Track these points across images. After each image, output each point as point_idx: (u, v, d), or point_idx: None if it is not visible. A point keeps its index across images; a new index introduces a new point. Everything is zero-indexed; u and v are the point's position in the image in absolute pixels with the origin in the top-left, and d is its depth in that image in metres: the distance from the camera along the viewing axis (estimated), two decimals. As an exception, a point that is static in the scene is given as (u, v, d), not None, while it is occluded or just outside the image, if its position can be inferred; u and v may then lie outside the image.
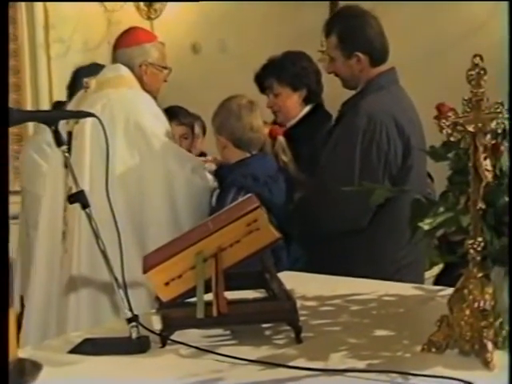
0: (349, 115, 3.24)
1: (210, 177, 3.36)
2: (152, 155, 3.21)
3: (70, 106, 3.43)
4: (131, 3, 5.61)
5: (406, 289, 2.51)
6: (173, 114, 3.97)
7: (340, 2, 4.73)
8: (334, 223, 3.19)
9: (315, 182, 3.32)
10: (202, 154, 4.41)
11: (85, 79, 3.44)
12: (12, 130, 5.31)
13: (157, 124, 3.29)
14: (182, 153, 3.40)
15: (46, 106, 5.23)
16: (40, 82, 5.36)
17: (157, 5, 5.62)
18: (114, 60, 3.47)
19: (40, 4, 5.36)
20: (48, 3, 5.37)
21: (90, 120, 3.00)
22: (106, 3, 5.48)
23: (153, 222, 3.13)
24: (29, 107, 5.32)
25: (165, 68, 3.50)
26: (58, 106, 4.35)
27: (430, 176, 3.64)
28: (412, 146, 3.18)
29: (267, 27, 5.15)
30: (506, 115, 1.89)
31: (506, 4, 2.16)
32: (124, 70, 3.38)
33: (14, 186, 5.30)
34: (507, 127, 1.91)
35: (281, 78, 3.78)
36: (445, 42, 4.38)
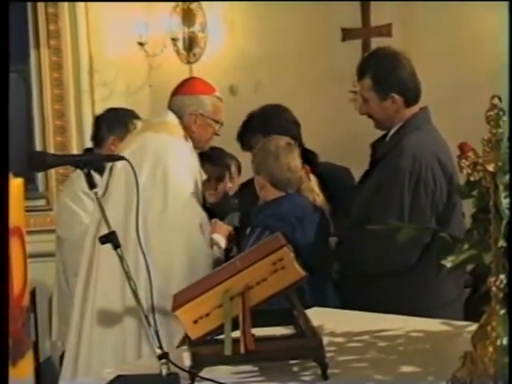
0: (391, 156, 3.27)
1: (219, 244, 3.37)
2: (169, 207, 3.25)
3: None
4: (171, 49, 5.75)
5: (433, 325, 2.52)
6: (209, 156, 4.01)
7: (372, 41, 4.81)
8: (383, 263, 3.22)
9: (354, 223, 3.35)
10: (239, 193, 4.46)
11: (135, 120, 3.54)
12: (58, 170, 5.46)
13: (184, 175, 3.34)
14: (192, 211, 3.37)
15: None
16: (85, 125, 5.50)
17: (196, 49, 5.76)
18: (169, 105, 3.55)
19: (85, 50, 5.53)
20: (92, 49, 5.54)
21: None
22: (147, 48, 5.63)
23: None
24: (74, 150, 5.46)
25: (217, 122, 3.54)
26: (87, 152, 4.48)
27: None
28: (455, 185, 3.20)
29: (301, 69, 5.23)
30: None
31: (506, 4, 2.17)
32: (170, 117, 3.47)
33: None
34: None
35: (267, 133, 3.65)
36: (473, 81, 4.42)
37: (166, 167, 3.28)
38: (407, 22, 4.78)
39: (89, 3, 5.53)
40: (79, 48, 5.51)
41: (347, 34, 5.06)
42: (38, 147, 5.53)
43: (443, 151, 3.29)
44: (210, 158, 3.98)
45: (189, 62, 5.75)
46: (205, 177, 3.60)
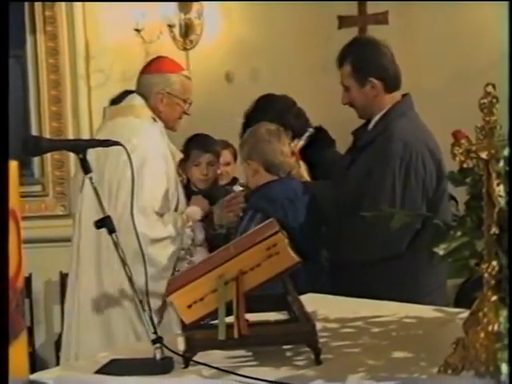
0: (380, 142, 3.28)
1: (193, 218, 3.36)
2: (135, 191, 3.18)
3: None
4: (168, 36, 5.75)
5: (426, 311, 2.55)
6: (198, 141, 4.00)
7: (369, 29, 4.82)
8: (373, 250, 3.24)
9: (344, 210, 3.37)
10: (235, 180, 4.48)
11: (104, 106, 3.51)
12: (53, 156, 5.47)
13: (148, 157, 3.25)
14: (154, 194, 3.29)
15: (86, 133, 5.35)
16: (81, 111, 5.51)
17: (192, 36, 5.76)
18: (137, 85, 3.53)
19: (81, 36, 5.51)
20: (89, 35, 5.53)
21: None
22: (144, 35, 5.62)
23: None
24: (70, 135, 5.45)
25: (185, 101, 3.50)
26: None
27: (454, 198, 3.67)
28: (443, 171, 3.23)
29: (298, 56, 5.25)
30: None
31: (506, 4, 2.17)
32: (137, 100, 3.44)
33: (55, 210, 5.47)
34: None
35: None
36: (471, 68, 4.44)
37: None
38: (404, 10, 4.79)
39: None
40: (75, 34, 5.49)
41: (344, 21, 5.08)
42: (34, 133, 5.52)
43: (430, 138, 3.33)
44: (200, 144, 3.98)
45: (185, 49, 5.75)
46: (179, 157, 3.57)
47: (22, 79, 5.63)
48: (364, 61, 3.36)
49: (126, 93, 4.05)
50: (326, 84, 5.03)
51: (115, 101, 4.14)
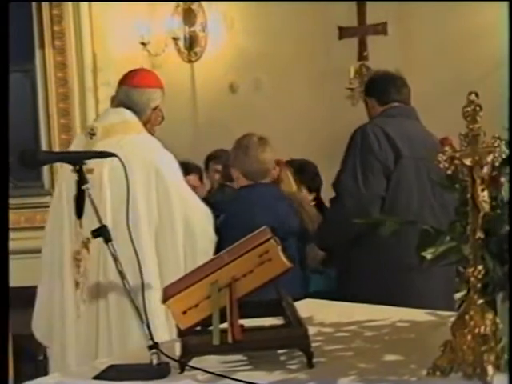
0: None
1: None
2: (171, 204, 3.19)
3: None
4: (173, 49, 5.83)
5: (419, 315, 2.58)
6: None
7: (368, 39, 4.88)
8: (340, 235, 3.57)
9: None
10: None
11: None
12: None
13: (173, 170, 3.27)
14: (196, 200, 3.35)
15: (94, 145, 5.43)
16: (88, 123, 5.59)
17: (197, 48, 5.85)
18: (126, 96, 3.33)
19: (89, 49, 5.62)
20: (96, 48, 5.62)
21: (106, 169, 3.09)
22: (150, 48, 5.71)
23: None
24: (79, 147, 5.54)
25: (162, 116, 3.42)
26: None
27: None
28: (402, 156, 3.59)
29: (299, 66, 5.31)
30: (504, 148, 1.98)
31: (506, 4, 2.21)
32: (128, 115, 3.28)
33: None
34: (506, 159, 2.00)
35: None
36: (472, 74, 4.48)
37: (157, 169, 3.18)
38: (403, 19, 4.84)
39: (92, 4, 5.60)
40: (83, 48, 5.60)
41: (344, 32, 5.16)
42: (44, 145, 5.63)
43: (403, 134, 3.62)
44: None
45: (190, 61, 5.84)
46: None
47: (31, 93, 5.73)
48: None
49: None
50: (327, 93, 5.13)
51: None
